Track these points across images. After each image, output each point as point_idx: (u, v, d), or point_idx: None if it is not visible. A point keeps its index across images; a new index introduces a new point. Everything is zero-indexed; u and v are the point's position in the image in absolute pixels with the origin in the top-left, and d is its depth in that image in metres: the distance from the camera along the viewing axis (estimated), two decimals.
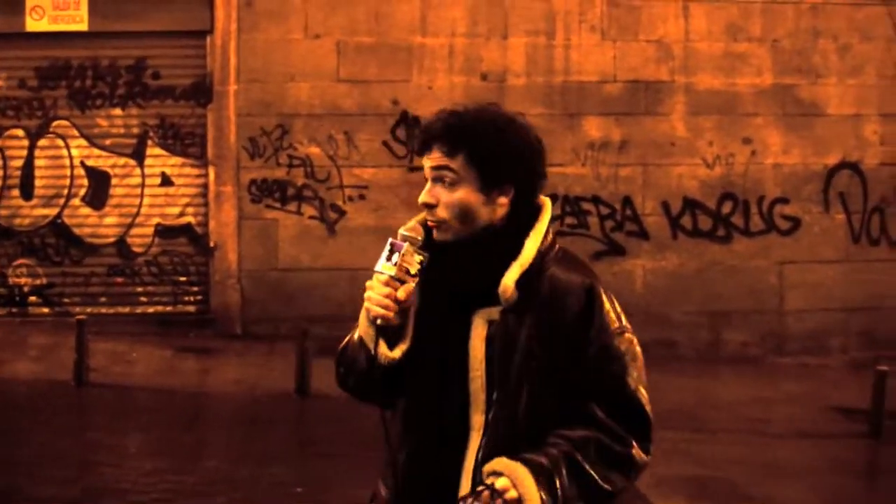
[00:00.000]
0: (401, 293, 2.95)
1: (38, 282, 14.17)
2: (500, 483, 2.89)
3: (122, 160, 14.20)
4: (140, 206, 14.19)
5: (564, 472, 2.96)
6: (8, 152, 14.15)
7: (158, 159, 14.20)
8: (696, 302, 14.27)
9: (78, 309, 13.65)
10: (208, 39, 14.07)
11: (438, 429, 3.06)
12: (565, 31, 14.12)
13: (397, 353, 3.01)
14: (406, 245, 2.97)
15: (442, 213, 3.05)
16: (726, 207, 14.36)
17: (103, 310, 14.05)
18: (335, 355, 3.23)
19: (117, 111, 14.21)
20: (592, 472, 3.00)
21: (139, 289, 14.25)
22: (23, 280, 14.18)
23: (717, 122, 14.31)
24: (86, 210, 14.21)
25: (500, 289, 3.01)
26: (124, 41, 14.06)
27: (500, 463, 2.94)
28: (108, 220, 14.22)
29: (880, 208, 14.53)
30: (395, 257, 2.96)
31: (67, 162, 14.17)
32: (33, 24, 13.93)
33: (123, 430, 9.78)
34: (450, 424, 3.06)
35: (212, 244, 14.04)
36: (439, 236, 3.07)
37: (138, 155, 14.20)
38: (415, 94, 13.88)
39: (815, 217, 14.46)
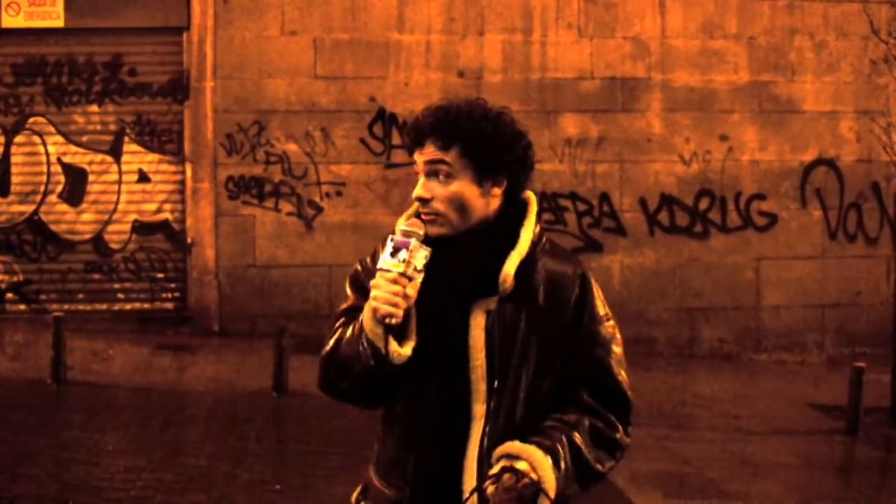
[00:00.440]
0: (410, 290, 2.95)
1: (14, 279, 14.12)
2: (521, 465, 2.96)
3: (98, 157, 14.16)
4: (117, 202, 14.15)
5: (567, 454, 3.05)
6: None
7: (135, 156, 14.16)
8: (673, 298, 14.31)
9: (55, 306, 13.61)
10: (185, 36, 14.04)
11: (442, 421, 3.09)
12: (542, 28, 14.14)
13: (408, 350, 3.00)
14: (413, 241, 2.96)
15: (438, 206, 3.09)
16: (703, 204, 14.41)
17: (80, 307, 14.01)
18: (320, 358, 3.19)
19: (94, 108, 14.16)
20: (588, 455, 3.12)
21: (116, 286, 14.21)
22: None
23: (694, 118, 14.36)
24: (63, 207, 14.16)
25: (501, 278, 3.07)
26: (100, 38, 14.02)
27: (513, 447, 3.01)
28: (86, 217, 14.18)
29: (857, 204, 14.61)
30: (403, 254, 2.94)
31: (44, 158, 14.12)
32: (9, 21, 13.88)
33: (101, 427, 9.73)
34: (452, 416, 3.09)
35: (189, 241, 14.01)
36: (436, 230, 3.08)
37: (115, 152, 14.16)
38: (391, 90, 13.89)
39: (792, 213, 14.53)
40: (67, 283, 14.16)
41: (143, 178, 14.19)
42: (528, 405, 3.11)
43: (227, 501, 7.78)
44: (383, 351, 2.96)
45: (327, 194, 13.92)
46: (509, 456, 2.99)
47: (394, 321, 2.94)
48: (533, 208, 3.24)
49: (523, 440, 3.03)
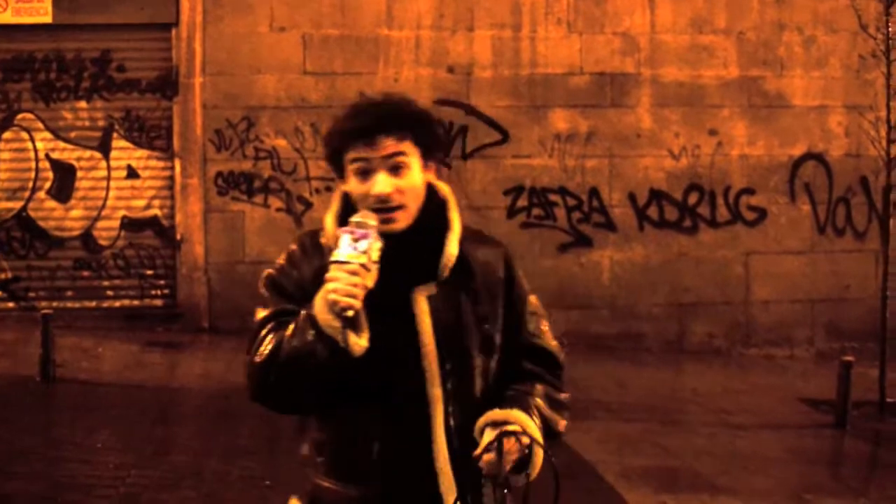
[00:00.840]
0: (369, 281, 2.93)
1: (2, 276, 14.08)
2: (513, 427, 3.03)
3: (87, 153, 14.13)
4: (106, 198, 14.12)
5: (537, 417, 3.17)
6: None
7: (124, 152, 14.13)
8: (662, 293, 14.33)
9: (44, 303, 13.59)
10: (174, 32, 14.02)
11: (401, 409, 3.08)
12: (531, 24, 14.15)
13: (364, 340, 2.97)
14: (374, 232, 2.95)
15: (400, 198, 3.08)
16: (692, 198, 14.43)
17: (69, 304, 13.98)
18: (251, 367, 3.09)
19: (82, 104, 14.13)
20: (551, 417, 3.24)
21: (105, 282, 14.19)
22: None
23: (683, 113, 14.38)
24: (51, 203, 14.13)
25: (444, 260, 3.13)
26: (89, 33, 14.00)
27: (496, 414, 3.08)
28: (74, 213, 14.15)
29: (845, 199, 14.66)
30: (363, 244, 2.92)
31: (32, 155, 14.09)
32: None
33: (90, 425, 9.71)
34: (410, 402, 3.09)
35: (178, 237, 14.00)
36: (401, 225, 3.09)
37: (104, 147, 14.13)
38: (381, 86, 13.85)
39: (782, 208, 14.56)
40: (56, 280, 14.13)
41: (132, 174, 14.17)
42: (482, 382, 3.18)
43: (218, 498, 7.78)
44: (342, 343, 2.93)
45: (317, 190, 13.90)
46: (495, 423, 3.05)
47: (351, 313, 2.91)
48: (448, 191, 3.28)
49: (503, 407, 3.11)
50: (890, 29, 11.53)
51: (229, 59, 13.91)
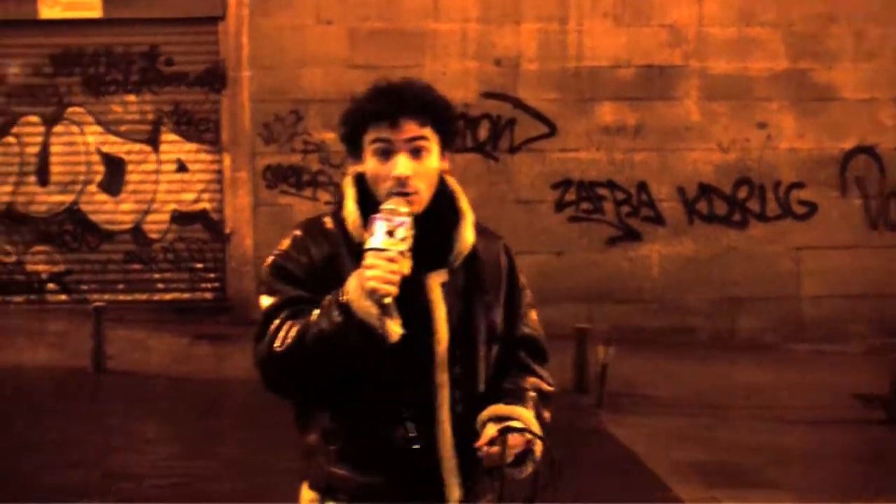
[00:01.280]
0: (405, 268, 2.95)
1: (55, 269, 14.21)
2: (516, 423, 3.10)
3: (137, 146, 14.23)
4: (155, 192, 14.22)
5: (535, 412, 3.24)
6: (24, 139, 14.22)
7: (173, 145, 14.22)
8: (712, 288, 14.24)
9: (95, 296, 13.68)
10: (221, 26, 14.09)
11: (412, 394, 3.11)
12: (578, 17, 14.10)
13: (399, 327, 2.98)
14: (409, 219, 2.96)
15: (417, 182, 3.10)
16: (742, 192, 14.33)
17: (120, 297, 14.09)
18: (267, 357, 3.07)
19: (132, 97, 14.24)
20: (541, 413, 3.27)
21: (156, 276, 14.29)
22: (40, 267, 14.23)
23: (732, 106, 14.28)
24: (102, 196, 14.25)
25: (460, 247, 3.19)
26: (137, 28, 14.11)
27: (500, 409, 3.15)
28: (124, 207, 14.26)
29: None
30: (401, 231, 2.93)
31: (83, 148, 14.21)
32: (47, 12, 13.97)
33: (140, 416, 9.81)
34: (418, 388, 3.12)
35: (227, 230, 14.07)
36: (416, 208, 3.08)
37: (153, 141, 14.23)
38: (428, 79, 13.37)
39: (832, 202, 14.42)
40: (107, 274, 14.24)
41: (182, 167, 14.26)
42: (485, 369, 3.24)
43: (266, 489, 7.80)
44: (380, 330, 2.94)
45: None
46: (499, 418, 3.11)
47: (389, 300, 2.93)
48: (455, 183, 3.31)
49: (502, 403, 3.18)
50: None
51: (276, 53, 13.95)
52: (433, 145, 3.15)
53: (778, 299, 14.34)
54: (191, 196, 14.27)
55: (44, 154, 14.20)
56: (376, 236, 2.94)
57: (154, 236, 14.24)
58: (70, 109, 14.21)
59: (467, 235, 3.20)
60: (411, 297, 3.04)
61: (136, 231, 14.23)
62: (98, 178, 14.24)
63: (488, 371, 3.26)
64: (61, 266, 14.22)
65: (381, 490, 3.12)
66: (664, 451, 9.21)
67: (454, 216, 3.23)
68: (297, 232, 3.26)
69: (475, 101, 13.91)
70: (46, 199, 14.22)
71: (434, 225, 3.14)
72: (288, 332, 3.04)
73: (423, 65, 13.88)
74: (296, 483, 7.47)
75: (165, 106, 14.24)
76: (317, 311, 3.02)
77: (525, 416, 3.14)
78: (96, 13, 14.01)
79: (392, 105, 3.12)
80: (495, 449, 3.04)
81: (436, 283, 3.15)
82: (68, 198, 14.21)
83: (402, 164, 3.08)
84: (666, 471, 8.58)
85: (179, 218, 14.24)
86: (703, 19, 14.23)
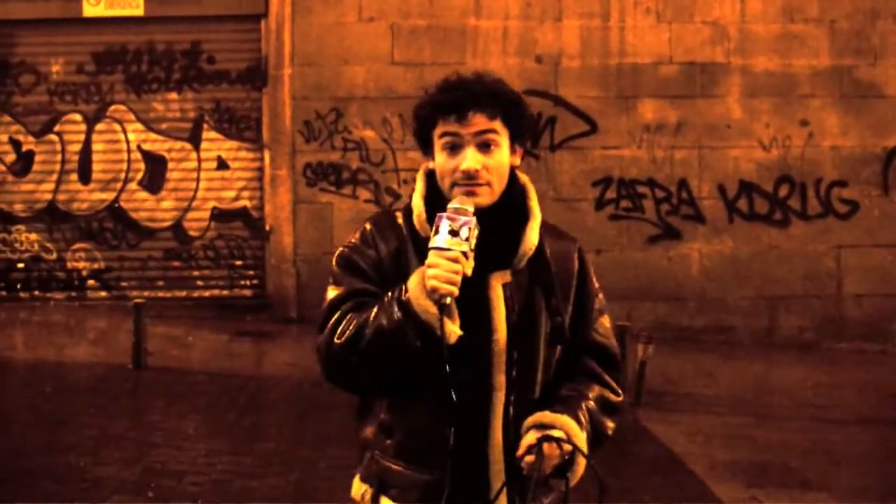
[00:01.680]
0: (468, 268, 2.94)
1: (95, 266, 14.31)
2: (557, 433, 3.05)
3: (178, 144, 14.30)
4: (196, 190, 14.29)
5: (587, 421, 3.17)
6: (66, 137, 14.32)
7: (214, 143, 14.28)
8: (752, 286, 14.17)
9: (135, 293, 13.79)
10: (262, 23, 14.14)
11: (469, 394, 3.07)
12: (620, 13, 14.06)
13: (458, 328, 2.98)
14: (474, 219, 2.93)
15: (487, 176, 3.09)
16: (783, 191, 14.24)
17: (160, 294, 14.18)
18: (327, 348, 3.10)
19: (173, 95, 14.31)
20: (601, 422, 3.24)
21: (196, 273, 14.35)
22: (81, 264, 14.33)
23: (774, 104, 14.19)
24: (143, 194, 14.33)
25: (524, 248, 3.15)
26: (179, 26, 14.18)
27: (545, 416, 3.10)
28: (165, 205, 14.33)
29: None
30: (465, 232, 2.91)
31: (124, 146, 14.30)
32: (90, 10, 14.06)
33: (181, 412, 9.84)
34: (474, 389, 3.09)
35: (267, 228, 14.11)
36: (483, 201, 3.08)
37: (194, 139, 14.29)
38: None
39: (874, 200, 14.30)
40: (147, 271, 14.33)
41: (222, 165, 14.32)
42: (544, 374, 3.20)
43: (307, 486, 7.82)
44: (438, 331, 2.93)
45: (405, 181, 13.94)
46: (542, 426, 3.07)
47: (449, 300, 2.92)
48: (528, 181, 3.28)
49: (549, 410, 3.12)
50: None
51: (318, 50, 13.99)
52: (503, 139, 3.12)
53: (818, 298, 14.24)
54: (231, 194, 14.32)
55: (86, 152, 14.29)
56: (440, 235, 2.93)
57: (194, 234, 14.31)
58: (112, 107, 14.31)
59: (532, 237, 3.16)
60: (472, 297, 3.02)
61: (177, 228, 14.30)
62: (139, 175, 14.32)
63: (548, 375, 3.21)
64: (102, 263, 14.31)
65: (432, 488, 3.11)
66: (703, 449, 9.16)
67: (523, 215, 3.19)
68: (368, 225, 3.26)
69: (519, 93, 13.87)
70: (88, 197, 14.31)
71: (501, 223, 3.12)
72: (348, 324, 3.06)
73: (464, 62, 13.86)
74: (336, 480, 7.48)
75: (206, 104, 14.30)
76: (376, 307, 3.03)
77: (568, 425, 3.08)
78: (139, 11, 14.09)
79: (459, 98, 3.09)
80: (531, 458, 3.02)
81: (498, 283, 3.12)
82: (109, 195, 14.29)
83: (469, 158, 3.07)
84: (705, 470, 8.54)
85: (220, 215, 14.31)
86: (745, 16, 14.15)
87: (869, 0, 14.21)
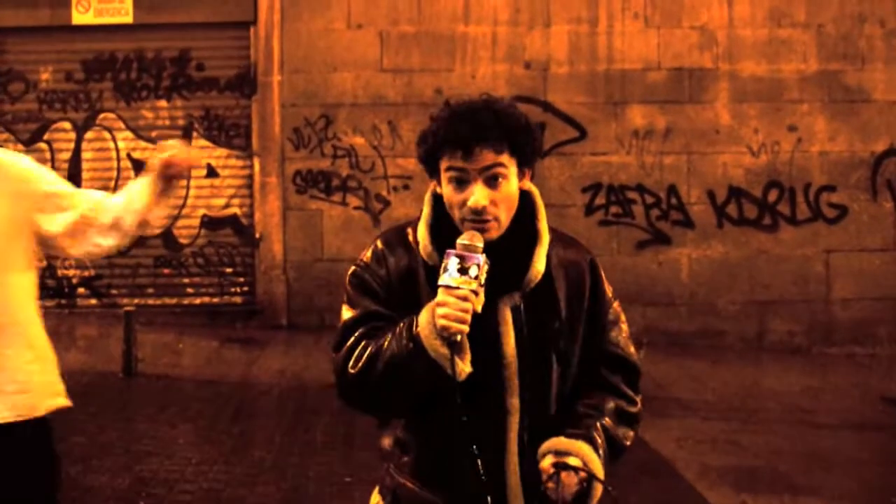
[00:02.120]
0: (478, 305, 2.92)
1: (85, 273, 14.29)
2: (573, 461, 3.03)
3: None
4: (186, 197, 14.27)
5: (602, 439, 3.15)
6: (55, 145, 14.30)
7: (204, 150, 14.25)
8: (742, 291, 14.20)
9: (125, 300, 13.77)
10: (252, 30, 14.15)
11: (481, 419, 3.05)
12: (608, 19, 14.09)
13: (468, 366, 2.96)
14: (483, 256, 2.91)
15: (495, 210, 3.04)
16: (772, 195, 14.27)
17: (150, 301, 14.17)
18: (344, 375, 3.09)
19: (162, 103, 14.31)
20: (616, 434, 3.22)
21: (186, 280, 14.35)
22: (71, 272, 14.31)
23: (762, 109, 14.23)
24: None
25: (531, 275, 3.11)
26: (168, 33, 14.18)
27: (560, 443, 3.07)
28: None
29: None
30: (474, 270, 2.88)
31: (114, 154, 14.29)
32: (79, 17, 14.05)
33: (171, 420, 9.83)
34: (489, 412, 3.08)
35: (257, 235, 14.12)
36: (493, 235, 3.04)
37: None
38: (458, 83, 13.87)
39: (863, 205, 14.34)
40: (138, 278, 14.32)
41: (212, 172, 14.31)
42: (559, 393, 3.17)
43: (298, 493, 7.83)
44: (449, 371, 2.92)
45: (394, 188, 13.96)
46: (557, 452, 3.05)
47: (459, 338, 2.90)
48: (538, 198, 3.24)
49: (564, 434, 3.09)
50: None
51: (307, 57, 14.00)
52: (511, 170, 3.06)
53: (808, 302, 14.27)
54: (221, 201, 14.32)
55: (75, 160, 14.28)
56: (449, 273, 2.90)
57: (184, 241, 14.31)
58: (102, 115, 14.31)
59: (538, 264, 3.11)
60: (481, 321, 2.98)
61: (167, 236, 14.29)
62: (129, 183, 14.26)
63: (564, 389, 3.18)
64: (92, 271, 14.29)
65: None
66: (693, 454, 9.18)
67: (532, 238, 3.15)
68: (379, 243, 3.23)
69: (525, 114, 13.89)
70: None
71: (510, 248, 3.08)
72: (362, 353, 3.05)
73: (452, 69, 13.90)
74: (326, 487, 7.49)
75: (196, 111, 14.30)
76: (389, 337, 3.02)
77: (583, 451, 3.06)
78: (128, 19, 14.09)
79: (466, 133, 3.00)
80: (551, 485, 3.01)
81: (506, 306, 3.09)
82: None
83: (477, 194, 3.01)
84: (694, 475, 8.56)
85: (209, 223, 14.31)
86: (733, 21, 14.19)
87: (856, 5, 14.26)
